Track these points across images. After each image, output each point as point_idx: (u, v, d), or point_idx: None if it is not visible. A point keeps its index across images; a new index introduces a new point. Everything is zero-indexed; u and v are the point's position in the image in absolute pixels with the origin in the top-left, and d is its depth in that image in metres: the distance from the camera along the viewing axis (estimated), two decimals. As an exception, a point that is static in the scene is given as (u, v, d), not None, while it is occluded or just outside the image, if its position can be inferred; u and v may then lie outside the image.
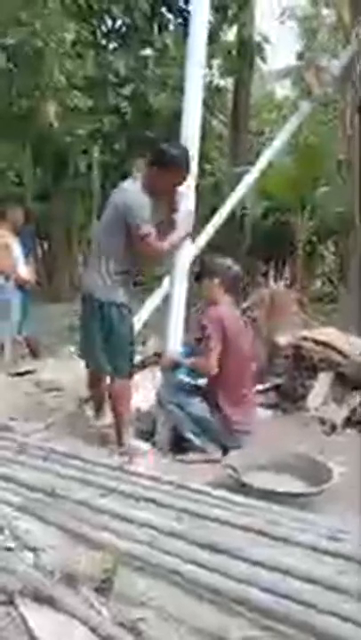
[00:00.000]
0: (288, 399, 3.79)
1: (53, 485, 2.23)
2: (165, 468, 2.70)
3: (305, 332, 4.06)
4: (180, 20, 8.22)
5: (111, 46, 8.35)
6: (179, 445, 3.02)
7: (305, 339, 3.91)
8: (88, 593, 1.59)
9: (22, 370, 4.61)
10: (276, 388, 3.97)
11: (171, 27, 8.30)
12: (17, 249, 4.86)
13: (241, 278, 3.17)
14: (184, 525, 1.92)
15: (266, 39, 8.67)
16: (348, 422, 3.44)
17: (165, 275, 3.39)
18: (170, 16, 8.36)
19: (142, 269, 3.57)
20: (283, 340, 4.17)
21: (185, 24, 7.97)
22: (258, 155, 4.53)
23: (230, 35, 9.19)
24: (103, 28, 8.33)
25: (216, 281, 3.02)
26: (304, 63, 4.50)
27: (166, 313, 3.15)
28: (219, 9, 8.11)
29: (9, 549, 1.82)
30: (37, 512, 2.04)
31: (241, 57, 8.73)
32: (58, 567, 1.68)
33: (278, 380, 4.01)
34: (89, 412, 3.48)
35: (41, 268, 9.40)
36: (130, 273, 3.02)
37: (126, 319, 3.00)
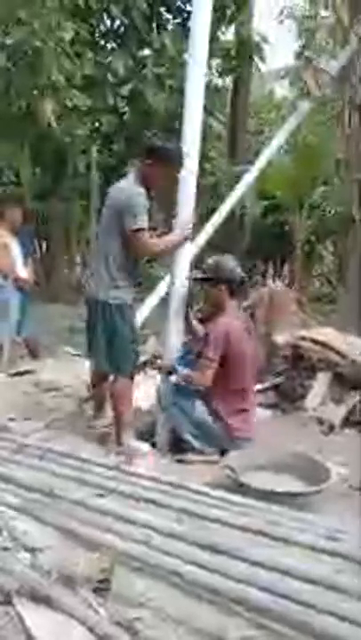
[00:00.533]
0: (287, 399, 3.79)
1: (51, 485, 2.23)
2: (164, 468, 2.70)
3: (303, 332, 4.06)
4: (178, 20, 8.22)
5: (110, 46, 8.35)
6: (178, 446, 3.01)
7: (303, 338, 3.91)
8: (86, 593, 1.59)
9: (21, 370, 4.61)
10: (275, 387, 3.98)
11: (169, 27, 8.29)
12: (15, 249, 4.85)
13: (245, 280, 3.11)
14: (183, 526, 1.92)
15: (264, 39, 8.67)
16: (347, 422, 3.44)
17: (165, 275, 3.39)
18: (168, 16, 8.36)
19: (142, 270, 3.56)
20: (281, 339, 4.17)
21: (184, 24, 7.98)
22: (257, 154, 4.53)
23: (229, 34, 9.19)
24: (102, 27, 8.33)
25: (222, 287, 2.96)
26: (302, 63, 4.49)
27: (165, 313, 3.15)
28: (217, 9, 8.10)
29: (6, 549, 1.82)
30: (35, 512, 2.04)
31: (240, 57, 8.73)
32: (55, 567, 1.68)
33: (277, 380, 4.01)
34: (89, 411, 3.48)
35: (40, 268, 9.40)
36: (132, 273, 3.02)
37: (129, 320, 3.00)
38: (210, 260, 3.02)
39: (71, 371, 4.44)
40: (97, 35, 8.22)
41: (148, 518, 1.94)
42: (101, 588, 1.62)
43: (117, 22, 8.17)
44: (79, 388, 3.95)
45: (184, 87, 3.10)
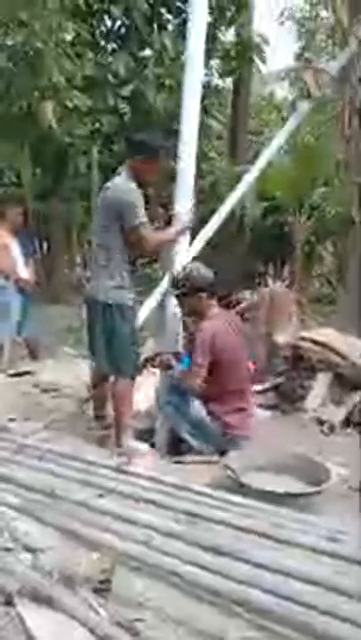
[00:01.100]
0: (287, 400, 3.80)
1: (52, 486, 2.23)
2: (164, 468, 2.70)
3: (303, 333, 4.06)
4: (178, 21, 8.22)
5: (110, 47, 8.35)
6: (177, 446, 3.01)
7: (303, 339, 3.92)
8: (86, 593, 1.59)
9: (21, 370, 4.61)
10: (275, 388, 3.98)
11: (170, 27, 8.30)
12: (16, 249, 4.86)
13: (218, 280, 3.09)
14: (184, 526, 1.92)
15: (265, 40, 8.67)
16: (347, 423, 3.44)
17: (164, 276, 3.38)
18: (169, 16, 8.36)
19: (141, 270, 3.56)
20: (281, 339, 4.17)
21: (184, 24, 7.97)
22: (257, 155, 4.53)
23: (229, 35, 9.20)
24: (102, 28, 8.33)
25: (201, 295, 2.95)
26: (302, 64, 4.50)
27: (163, 314, 3.15)
28: (217, 10, 8.12)
29: (7, 550, 1.82)
30: (36, 513, 2.04)
31: (240, 58, 8.74)
32: (56, 568, 1.68)
33: (277, 381, 4.02)
34: (89, 412, 3.48)
35: (40, 269, 9.39)
36: (132, 273, 3.02)
37: (129, 320, 3.00)
38: (178, 275, 2.99)
39: (71, 371, 4.44)
40: (98, 35, 8.22)
41: (149, 519, 1.94)
42: (102, 588, 1.62)
43: (118, 23, 8.17)
44: (79, 388, 3.95)
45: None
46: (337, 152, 7.67)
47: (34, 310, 5.06)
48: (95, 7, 7.69)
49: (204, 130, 8.76)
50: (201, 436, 2.92)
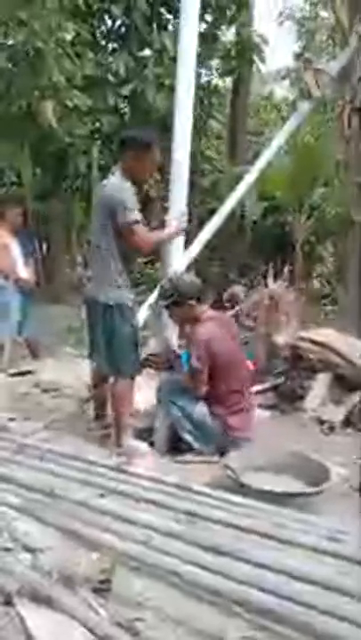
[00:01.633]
0: (286, 400, 3.80)
1: (52, 486, 2.23)
2: (164, 468, 2.70)
3: (303, 333, 4.06)
4: (178, 21, 8.23)
5: (110, 46, 8.35)
6: (177, 446, 3.02)
7: (303, 339, 3.92)
8: (86, 593, 1.59)
9: (22, 370, 4.61)
10: (275, 388, 3.98)
11: (170, 27, 8.30)
12: (16, 249, 4.86)
13: (206, 284, 3.08)
14: (183, 526, 1.92)
15: (264, 40, 8.67)
16: (347, 423, 3.45)
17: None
18: (169, 16, 8.36)
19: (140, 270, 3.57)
20: (281, 339, 4.17)
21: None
22: (256, 155, 4.54)
23: (229, 35, 9.20)
24: (103, 28, 8.33)
25: (190, 302, 2.94)
26: (302, 64, 4.49)
27: (160, 314, 3.15)
28: (217, 9, 8.12)
29: (7, 550, 1.82)
30: (36, 512, 2.04)
31: (239, 57, 8.73)
32: (56, 568, 1.68)
33: (277, 381, 4.02)
34: (89, 412, 3.48)
35: (40, 269, 9.39)
36: (131, 271, 3.02)
37: (130, 321, 2.99)
38: (165, 285, 2.98)
39: (72, 371, 4.44)
40: (98, 35, 8.22)
41: (149, 519, 1.94)
42: (102, 588, 1.62)
43: (118, 23, 8.17)
44: (80, 388, 3.95)
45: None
46: (337, 152, 7.67)
47: (34, 310, 5.06)
48: (95, 7, 7.69)
49: (203, 129, 8.79)
50: (203, 437, 2.92)
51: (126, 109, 8.19)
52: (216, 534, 1.85)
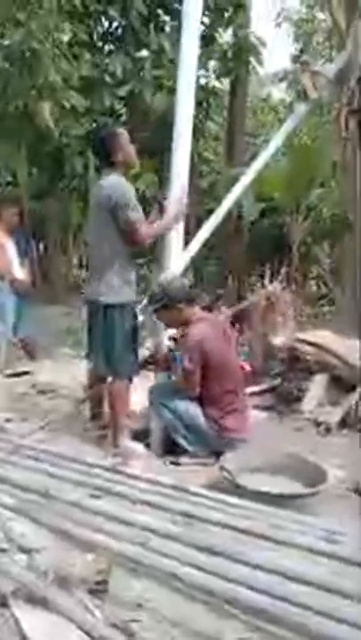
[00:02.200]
0: (283, 401, 3.80)
1: (47, 486, 2.22)
2: (160, 469, 2.70)
3: (300, 334, 4.06)
4: (176, 22, 8.22)
5: (107, 47, 8.34)
6: (173, 447, 3.01)
7: (300, 340, 3.92)
8: (82, 594, 1.59)
9: (18, 371, 4.60)
10: (272, 389, 3.98)
11: (167, 28, 8.30)
12: (11, 249, 4.84)
13: (193, 285, 3.07)
14: (179, 527, 1.92)
15: (262, 42, 8.67)
16: (343, 424, 3.45)
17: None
18: (166, 18, 8.36)
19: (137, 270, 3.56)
20: (278, 340, 4.18)
21: (181, 25, 7.97)
22: (254, 156, 4.55)
23: (226, 37, 9.20)
24: (99, 29, 8.32)
25: (180, 305, 2.92)
26: (299, 66, 4.51)
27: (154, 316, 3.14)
28: (214, 10, 8.13)
29: (3, 551, 1.81)
30: (31, 513, 2.03)
31: (237, 59, 8.74)
32: (51, 569, 1.67)
33: (274, 382, 4.02)
34: (85, 412, 3.48)
35: (37, 269, 9.39)
36: (131, 272, 3.02)
37: (129, 321, 2.99)
38: (155, 289, 2.98)
39: (68, 372, 4.44)
40: (95, 36, 8.21)
41: (145, 520, 1.94)
42: (98, 589, 1.62)
43: (115, 24, 8.16)
44: (76, 389, 3.95)
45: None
46: (334, 154, 7.69)
47: (30, 311, 5.05)
48: (92, 8, 7.68)
49: (201, 131, 8.79)
50: (196, 440, 2.90)
51: (123, 110, 8.19)
52: (213, 536, 1.85)
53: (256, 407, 3.62)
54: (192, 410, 2.90)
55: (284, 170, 8.02)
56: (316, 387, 3.72)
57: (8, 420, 3.40)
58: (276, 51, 15.49)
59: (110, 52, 8.14)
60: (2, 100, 6.82)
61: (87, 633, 1.43)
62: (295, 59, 13.67)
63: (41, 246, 12.39)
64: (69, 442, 3.04)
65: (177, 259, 3.13)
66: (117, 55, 7.79)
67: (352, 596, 1.51)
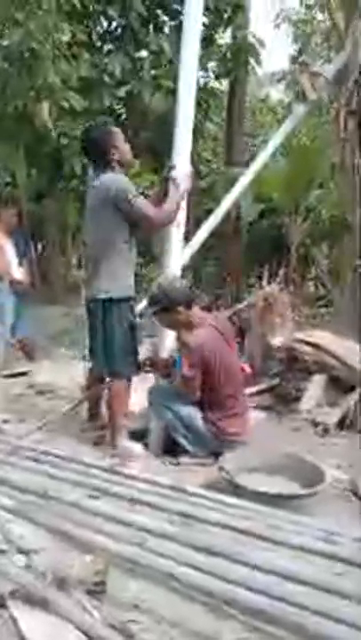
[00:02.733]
0: (282, 401, 3.80)
1: (46, 487, 2.22)
2: (158, 469, 2.70)
3: (298, 335, 4.07)
4: (175, 23, 8.23)
5: (106, 48, 8.34)
6: (171, 448, 3.01)
7: (298, 341, 3.92)
8: (80, 595, 1.59)
9: (16, 372, 4.60)
10: (270, 390, 3.98)
11: (166, 28, 8.30)
12: (10, 250, 4.84)
13: (192, 286, 3.05)
14: (177, 528, 1.92)
15: (261, 42, 8.68)
16: (341, 425, 3.45)
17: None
18: (165, 18, 8.36)
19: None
20: (276, 341, 4.18)
21: (181, 26, 7.97)
22: (253, 157, 4.56)
23: (225, 37, 9.21)
24: (99, 29, 8.32)
25: (179, 309, 2.90)
26: (298, 67, 4.51)
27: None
28: (213, 11, 8.13)
29: (1, 552, 1.81)
30: (29, 514, 2.03)
31: (236, 59, 8.74)
32: (50, 569, 1.67)
33: (272, 382, 4.02)
34: (83, 413, 3.47)
35: (35, 270, 9.38)
36: (130, 267, 3.02)
37: (127, 318, 2.99)
38: (155, 290, 2.95)
39: (66, 373, 4.44)
40: (94, 36, 8.21)
41: (143, 520, 1.94)
42: (96, 590, 1.62)
43: (114, 24, 8.16)
44: (74, 390, 3.95)
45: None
46: (332, 155, 7.69)
47: (29, 311, 5.05)
48: (91, 8, 7.68)
49: (200, 131, 8.79)
50: (196, 441, 2.91)
51: (122, 111, 8.19)
52: (211, 536, 1.85)
53: (255, 407, 3.62)
54: (192, 412, 2.90)
55: (283, 171, 8.02)
56: (315, 387, 3.72)
57: (5, 421, 3.40)
58: (275, 51, 15.47)
59: (109, 52, 8.14)
60: (1, 101, 6.82)
61: (85, 633, 1.43)
62: (294, 59, 13.67)
63: (39, 247, 12.39)
64: (67, 442, 3.04)
65: (176, 258, 3.13)
66: (116, 55, 7.78)
67: (351, 597, 1.51)
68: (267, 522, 1.94)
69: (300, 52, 14.12)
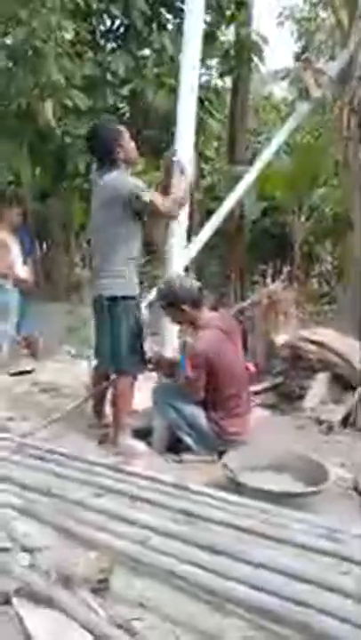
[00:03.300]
0: (285, 399, 3.80)
1: (50, 485, 2.23)
2: (161, 467, 2.70)
3: (302, 332, 4.06)
4: (178, 21, 8.21)
5: (110, 46, 8.33)
6: (174, 446, 3.01)
7: (302, 339, 3.92)
8: (84, 593, 1.59)
9: (21, 370, 4.61)
10: (274, 388, 3.98)
11: (169, 27, 8.28)
12: (15, 249, 4.86)
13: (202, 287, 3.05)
14: (181, 526, 1.92)
15: (264, 40, 8.65)
16: (345, 423, 3.45)
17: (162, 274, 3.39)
18: (168, 16, 8.34)
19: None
20: (280, 339, 4.18)
21: (183, 24, 7.94)
22: (256, 155, 4.55)
23: (228, 34, 9.18)
24: (102, 27, 8.31)
25: (185, 307, 2.89)
26: (301, 64, 4.50)
27: (158, 315, 3.15)
28: (216, 9, 8.10)
29: (6, 550, 1.82)
30: (34, 512, 2.04)
31: (239, 57, 8.71)
32: (54, 567, 1.68)
33: (276, 380, 4.02)
34: (88, 411, 3.48)
35: (39, 268, 9.39)
36: (135, 265, 3.02)
37: (133, 315, 2.99)
38: (162, 286, 2.96)
39: (71, 371, 4.45)
40: (97, 35, 8.21)
41: (146, 518, 1.94)
42: (100, 588, 1.62)
43: (117, 22, 8.15)
44: (78, 388, 3.95)
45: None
46: (336, 153, 7.67)
47: (33, 310, 5.06)
48: (95, 6, 7.67)
49: (203, 129, 8.78)
50: (200, 441, 2.91)
51: (126, 109, 8.18)
52: (214, 534, 1.85)
53: (259, 405, 3.62)
54: (195, 411, 2.91)
55: (287, 168, 8.01)
56: (319, 385, 3.72)
57: (10, 419, 3.41)
58: (279, 49, 15.41)
59: (113, 50, 8.13)
60: (4, 100, 6.83)
61: (90, 631, 1.44)
62: (298, 57, 13.61)
63: (44, 245, 12.39)
64: (72, 440, 3.04)
65: (180, 257, 3.13)
66: (120, 54, 7.78)
67: (355, 595, 1.51)
68: (270, 520, 1.94)
69: (303, 49, 14.07)
